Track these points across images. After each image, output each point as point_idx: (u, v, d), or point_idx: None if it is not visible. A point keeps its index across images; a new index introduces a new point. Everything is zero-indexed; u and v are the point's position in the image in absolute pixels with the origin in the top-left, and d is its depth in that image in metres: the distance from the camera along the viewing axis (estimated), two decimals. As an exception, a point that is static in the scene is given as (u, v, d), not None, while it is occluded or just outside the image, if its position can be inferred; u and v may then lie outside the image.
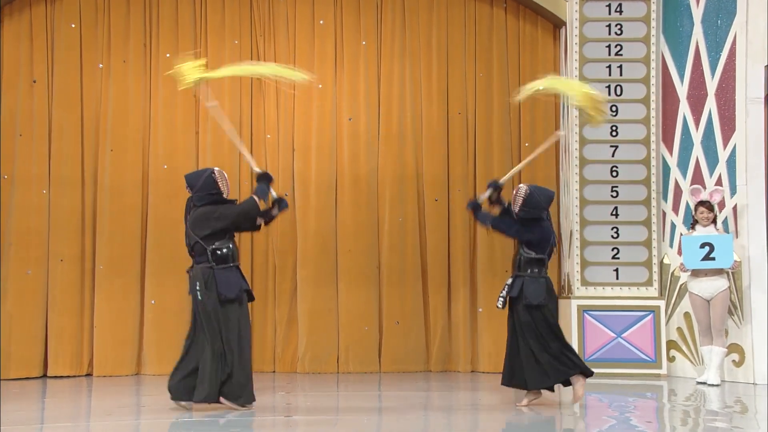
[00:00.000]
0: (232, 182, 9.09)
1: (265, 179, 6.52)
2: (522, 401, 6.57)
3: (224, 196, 6.39)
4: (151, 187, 9.21)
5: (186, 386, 6.14)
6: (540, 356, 6.43)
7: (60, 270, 8.98)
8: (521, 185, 6.81)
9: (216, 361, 6.04)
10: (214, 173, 6.39)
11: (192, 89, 6.81)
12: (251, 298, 6.50)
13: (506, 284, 6.70)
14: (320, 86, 9.48)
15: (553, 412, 6.41)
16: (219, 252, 6.21)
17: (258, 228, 6.62)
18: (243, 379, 6.12)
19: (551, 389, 6.64)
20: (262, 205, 6.48)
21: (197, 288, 6.16)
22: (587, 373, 6.54)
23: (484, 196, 6.91)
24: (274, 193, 6.62)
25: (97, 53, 9.27)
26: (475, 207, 6.83)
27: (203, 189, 6.32)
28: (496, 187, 6.86)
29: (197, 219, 6.26)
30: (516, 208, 6.64)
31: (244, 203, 6.41)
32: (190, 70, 6.61)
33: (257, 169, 6.65)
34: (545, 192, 6.77)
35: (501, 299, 6.65)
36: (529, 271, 6.58)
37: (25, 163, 9.03)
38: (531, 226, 6.60)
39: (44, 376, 8.86)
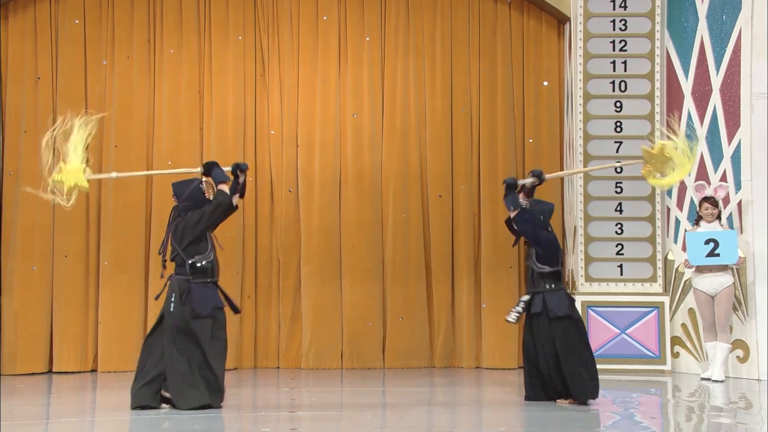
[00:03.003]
0: (235, 178, 9.15)
1: (211, 167, 6.36)
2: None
3: None
4: (155, 183, 9.23)
5: (149, 392, 6.09)
6: (583, 365, 6.39)
7: (65, 266, 9.00)
8: (522, 199, 6.69)
9: (176, 369, 6.01)
10: (201, 184, 6.32)
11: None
12: (236, 311, 6.40)
13: (521, 300, 6.59)
14: (323, 82, 9.49)
15: (556, 408, 6.40)
16: (198, 265, 6.15)
17: (236, 207, 6.45)
18: (191, 388, 6.06)
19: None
20: (226, 186, 6.34)
21: (171, 299, 6.09)
22: (584, 402, 6.45)
23: (522, 181, 6.69)
24: (227, 168, 6.44)
25: (101, 49, 9.29)
26: (511, 186, 6.58)
27: (189, 199, 6.25)
28: (540, 178, 6.64)
29: (178, 229, 6.21)
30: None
31: (215, 199, 6.28)
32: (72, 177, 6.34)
33: (197, 169, 6.50)
34: (545, 205, 6.70)
35: (515, 315, 6.52)
36: (546, 286, 6.49)
37: (30, 159, 9.04)
38: (543, 237, 6.51)
39: (49, 371, 8.89)
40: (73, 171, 6.19)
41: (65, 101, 9.15)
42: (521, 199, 6.64)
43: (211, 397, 6.02)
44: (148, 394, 6.08)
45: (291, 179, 9.43)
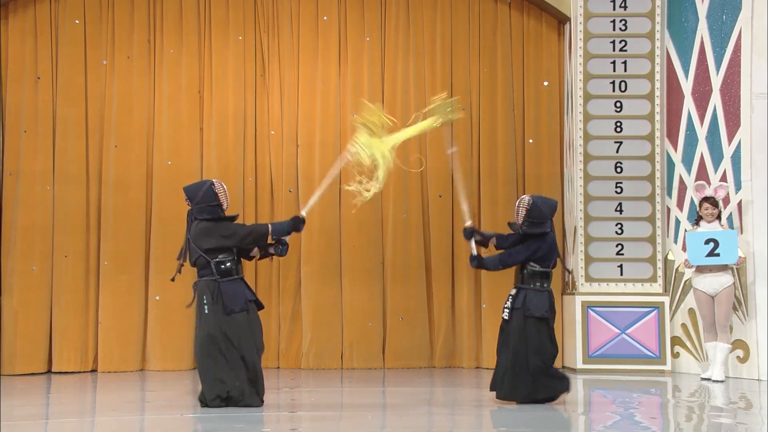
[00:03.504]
0: (236, 178, 9.18)
1: (295, 225, 6.38)
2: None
3: (224, 208, 6.28)
4: (156, 183, 9.23)
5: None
6: (523, 367, 6.40)
7: (65, 266, 9.00)
8: (524, 196, 6.66)
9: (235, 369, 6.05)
10: (213, 185, 6.27)
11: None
12: (260, 307, 6.40)
13: (510, 295, 6.60)
14: (323, 82, 9.50)
15: (557, 408, 6.40)
16: (222, 265, 6.14)
17: (250, 258, 6.48)
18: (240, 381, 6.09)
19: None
20: (268, 238, 6.34)
21: (204, 302, 6.09)
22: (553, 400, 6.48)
23: (472, 248, 6.68)
24: (286, 238, 6.46)
25: (101, 49, 9.29)
26: (479, 264, 6.64)
27: (203, 201, 6.21)
28: (472, 232, 6.69)
29: (201, 232, 6.16)
30: (519, 221, 6.51)
31: (255, 226, 6.31)
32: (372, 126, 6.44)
33: (303, 213, 6.49)
34: (549, 202, 6.62)
35: (507, 310, 6.53)
36: (532, 284, 6.48)
37: (30, 159, 9.05)
38: (537, 242, 6.46)
39: (49, 371, 8.89)
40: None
41: (65, 101, 9.16)
42: (482, 247, 6.77)
43: (250, 395, 6.04)
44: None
45: (291, 179, 9.43)
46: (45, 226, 9.01)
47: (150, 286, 9.14)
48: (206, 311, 6.08)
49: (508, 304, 6.55)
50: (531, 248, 6.46)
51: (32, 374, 8.73)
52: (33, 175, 9.04)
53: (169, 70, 9.36)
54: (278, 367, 9.25)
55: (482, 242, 6.79)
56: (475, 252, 6.66)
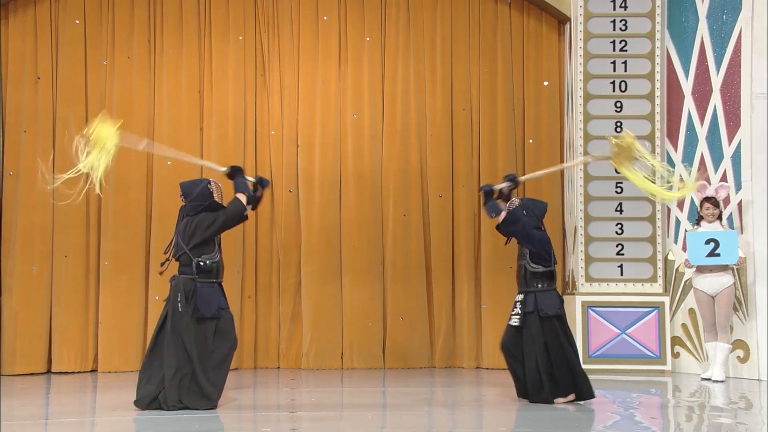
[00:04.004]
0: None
1: (234, 172, 6.44)
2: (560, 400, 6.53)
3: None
4: (156, 183, 9.23)
5: (151, 394, 6.09)
6: (550, 367, 6.40)
7: (65, 266, 9.00)
8: (514, 199, 6.71)
9: (176, 370, 6.02)
10: (210, 184, 6.32)
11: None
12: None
13: (517, 301, 6.59)
14: (323, 82, 9.50)
15: (557, 408, 6.40)
16: (203, 264, 6.15)
17: (246, 217, 6.47)
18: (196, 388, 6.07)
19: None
20: (244, 198, 6.37)
21: (178, 299, 6.09)
22: (586, 398, 6.47)
23: (498, 186, 6.70)
24: (250, 178, 6.54)
25: (101, 49, 9.29)
26: (488, 193, 6.59)
27: (197, 199, 6.24)
28: (515, 182, 6.69)
29: (188, 229, 6.19)
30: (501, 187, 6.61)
31: (230, 207, 6.29)
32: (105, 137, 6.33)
33: (222, 168, 6.53)
34: (538, 204, 6.68)
35: (517, 317, 6.51)
36: (539, 285, 6.50)
37: (30, 159, 9.04)
38: (534, 236, 6.48)
39: (49, 371, 8.89)
40: (104, 134, 6.22)
41: (65, 101, 9.16)
42: (501, 204, 6.65)
43: (192, 400, 5.99)
44: (149, 397, 6.09)
45: (291, 179, 9.43)
46: (45, 226, 9.01)
47: (150, 286, 9.14)
48: (179, 309, 6.08)
49: (518, 309, 6.53)
50: (532, 231, 6.44)
51: (32, 374, 8.73)
52: (33, 175, 9.03)
53: (170, 70, 9.36)
54: (278, 367, 9.25)
55: (505, 197, 6.71)
56: (496, 188, 6.62)
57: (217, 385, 6.09)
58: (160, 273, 6.31)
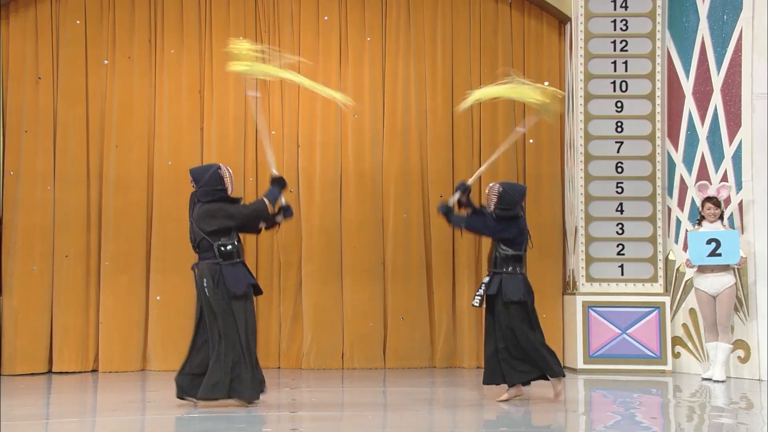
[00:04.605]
0: (236, 178, 9.07)
1: (279, 184, 6.45)
2: (502, 396, 6.59)
3: (229, 192, 6.34)
4: (156, 183, 9.23)
5: (194, 383, 6.12)
6: (515, 352, 6.46)
7: (65, 266, 9.00)
8: (493, 184, 6.79)
9: (224, 357, 6.02)
10: (220, 169, 6.32)
11: (243, 73, 6.56)
12: (258, 292, 6.42)
13: (483, 282, 6.67)
14: (324, 82, 9.49)
15: (557, 408, 6.40)
16: (224, 248, 6.17)
17: (258, 231, 6.55)
18: (248, 375, 6.09)
19: (527, 383, 6.63)
20: (270, 209, 6.40)
21: (205, 284, 6.12)
22: (557, 375, 6.52)
23: (453, 199, 6.77)
24: (283, 200, 6.54)
25: (102, 49, 9.29)
26: (447, 211, 6.70)
27: (208, 184, 6.24)
28: (465, 189, 6.76)
29: (204, 214, 6.19)
30: (491, 207, 6.63)
31: (254, 205, 6.34)
32: (246, 55, 6.44)
33: (275, 172, 6.56)
34: (517, 187, 6.81)
35: (478, 297, 6.61)
36: (506, 268, 6.57)
37: (31, 159, 9.05)
38: (508, 223, 6.59)
39: (50, 372, 8.89)
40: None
41: (66, 101, 9.16)
42: (464, 210, 6.76)
43: (239, 386, 6.03)
44: (191, 385, 6.13)
45: (292, 179, 9.41)
46: (45, 227, 9.01)
47: (151, 286, 9.14)
48: (207, 294, 6.10)
49: (481, 291, 6.61)
50: (500, 225, 6.57)
51: (33, 374, 8.73)
52: (34, 175, 9.04)
53: (170, 70, 9.36)
54: (279, 367, 9.25)
55: (465, 203, 6.80)
56: (451, 204, 6.73)
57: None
58: (193, 267, 6.29)
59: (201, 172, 6.35)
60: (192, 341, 6.27)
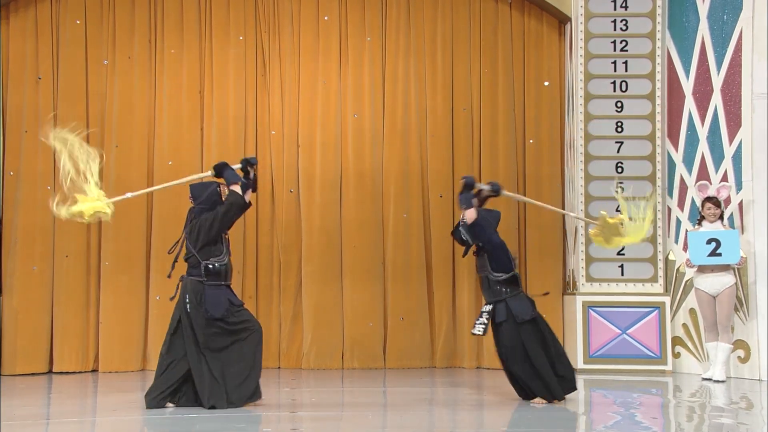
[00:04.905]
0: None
1: (222, 168, 6.38)
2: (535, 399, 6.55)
3: None
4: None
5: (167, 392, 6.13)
6: (551, 367, 6.42)
7: (65, 266, 9.00)
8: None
9: (209, 371, 6.05)
10: (219, 188, 6.34)
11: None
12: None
13: (484, 311, 6.57)
14: (324, 82, 9.50)
15: (557, 408, 6.40)
16: (212, 267, 6.17)
17: (249, 204, 6.46)
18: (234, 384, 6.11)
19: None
20: (238, 189, 6.32)
21: (186, 301, 6.13)
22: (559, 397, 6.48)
23: (481, 186, 6.70)
24: (236, 165, 6.46)
25: (102, 49, 9.29)
26: (469, 184, 6.56)
27: (206, 202, 6.27)
28: (497, 192, 6.68)
29: (193, 231, 6.22)
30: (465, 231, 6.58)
31: (227, 200, 6.28)
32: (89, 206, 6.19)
33: (208, 173, 6.48)
34: (493, 214, 6.74)
35: (481, 326, 6.49)
36: (505, 292, 6.49)
37: (31, 159, 9.05)
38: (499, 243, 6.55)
39: (50, 372, 8.89)
40: (91, 199, 6.09)
41: (66, 101, 9.17)
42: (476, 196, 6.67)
43: (216, 399, 6.02)
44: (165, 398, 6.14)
45: (292, 179, 9.43)
46: (46, 227, 9.01)
47: (151, 286, 9.15)
48: (188, 310, 6.11)
49: (483, 319, 6.50)
50: (497, 241, 6.50)
51: (33, 374, 8.73)
52: (34, 176, 9.04)
53: (170, 70, 9.36)
54: (279, 367, 9.25)
55: (483, 199, 6.75)
56: (477, 188, 6.61)
57: (238, 383, 6.09)
58: (169, 277, 6.31)
59: (200, 189, 6.36)
60: (164, 359, 6.18)
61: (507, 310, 6.43)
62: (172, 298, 6.31)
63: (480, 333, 6.51)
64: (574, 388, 6.54)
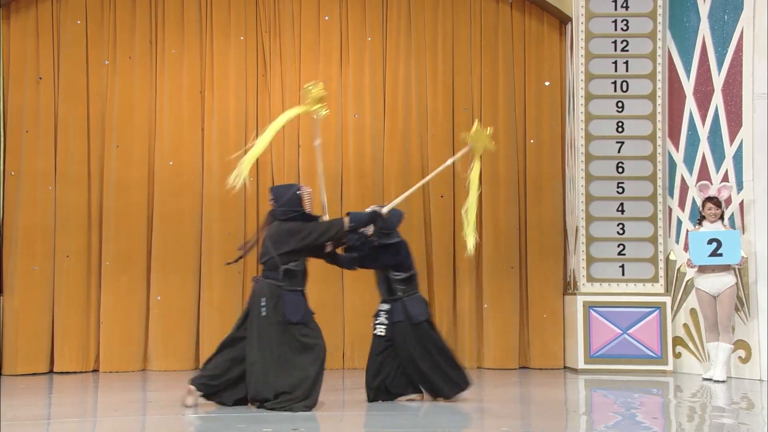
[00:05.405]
0: (237, 178, 9.13)
1: (371, 219, 6.38)
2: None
3: (306, 212, 6.30)
4: (157, 183, 9.24)
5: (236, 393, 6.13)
6: (443, 365, 6.50)
7: (66, 266, 9.00)
8: (374, 207, 6.70)
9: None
10: (299, 190, 6.29)
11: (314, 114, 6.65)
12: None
13: (381, 310, 6.63)
14: (324, 82, 9.48)
15: (558, 408, 6.40)
16: (291, 272, 6.14)
17: (324, 252, 6.47)
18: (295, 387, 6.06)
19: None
20: (346, 225, 6.29)
21: (262, 304, 6.07)
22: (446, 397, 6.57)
23: (365, 230, 6.57)
24: (368, 230, 6.47)
25: (102, 50, 9.29)
26: (337, 256, 6.65)
27: (288, 204, 6.22)
28: (377, 218, 6.55)
29: (281, 234, 6.15)
30: (369, 232, 6.59)
31: (333, 222, 6.26)
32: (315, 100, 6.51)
33: (383, 211, 6.45)
34: (395, 212, 6.73)
35: (382, 327, 6.56)
36: (401, 292, 6.55)
37: (32, 159, 9.05)
38: (394, 246, 6.58)
39: (51, 372, 8.89)
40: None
41: (67, 101, 9.17)
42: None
43: (282, 401, 6.00)
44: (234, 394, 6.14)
45: (292, 180, 9.41)
46: (46, 227, 9.01)
47: (151, 286, 9.15)
48: (263, 313, 6.06)
49: (382, 318, 6.57)
50: (386, 254, 6.55)
51: (34, 374, 8.73)
52: (35, 176, 9.05)
53: (171, 70, 9.36)
54: (280, 368, 9.24)
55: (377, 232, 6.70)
56: (368, 232, 6.57)
57: (291, 389, 6.04)
58: (228, 264, 6.39)
59: (282, 191, 6.33)
60: (226, 352, 6.17)
61: (404, 310, 6.49)
62: (250, 305, 6.18)
63: (382, 334, 6.59)
64: (462, 389, 6.57)
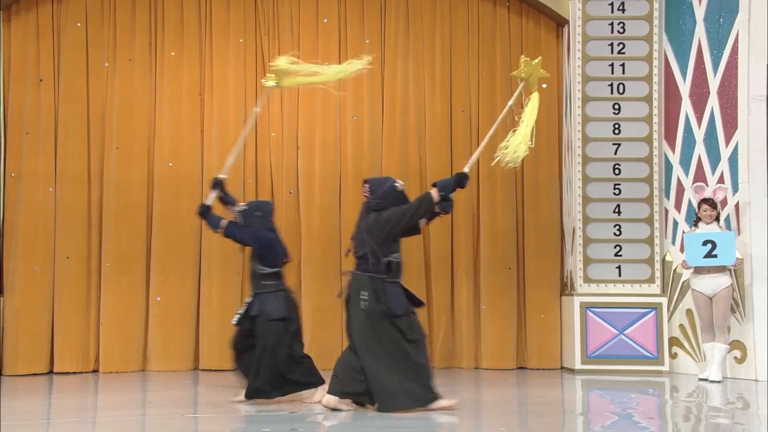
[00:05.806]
0: (236, 179, 9.19)
1: (459, 181, 6.36)
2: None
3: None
4: (157, 185, 9.27)
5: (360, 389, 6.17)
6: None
7: (66, 267, 9.03)
8: (240, 204, 6.78)
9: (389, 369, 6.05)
10: (396, 184, 6.30)
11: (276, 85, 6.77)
12: (420, 303, 6.35)
13: (246, 302, 6.68)
14: (323, 84, 9.52)
15: (555, 408, 6.44)
16: (391, 264, 6.10)
17: (419, 230, 6.45)
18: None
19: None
20: (435, 196, 6.21)
21: (363, 297, 6.04)
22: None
23: (210, 200, 6.67)
24: (450, 195, 6.40)
25: (103, 52, 9.32)
26: (203, 212, 6.62)
27: (384, 197, 6.21)
28: (217, 184, 6.68)
29: (378, 223, 6.12)
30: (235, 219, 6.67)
31: (422, 197, 6.19)
32: (283, 69, 6.59)
33: (466, 170, 6.48)
34: (263, 206, 6.82)
35: (238, 316, 6.62)
36: (266, 287, 6.58)
37: (32, 160, 9.08)
38: (266, 236, 6.62)
39: (50, 372, 8.92)
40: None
41: (67, 103, 9.20)
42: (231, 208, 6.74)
43: (421, 394, 6.02)
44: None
45: (291, 181, 9.46)
46: (47, 227, 9.04)
47: (151, 287, 9.17)
48: (363, 306, 6.06)
49: (242, 310, 6.62)
50: (262, 236, 6.58)
51: (34, 375, 8.76)
52: (35, 177, 9.08)
53: (171, 72, 9.40)
54: (278, 368, 9.26)
55: (224, 200, 6.80)
56: (209, 202, 6.65)
57: (420, 380, 6.07)
58: (347, 254, 6.33)
59: (379, 183, 6.31)
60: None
61: (261, 305, 6.52)
62: (339, 295, 6.26)
63: (235, 323, 6.63)
64: (302, 389, 6.62)
